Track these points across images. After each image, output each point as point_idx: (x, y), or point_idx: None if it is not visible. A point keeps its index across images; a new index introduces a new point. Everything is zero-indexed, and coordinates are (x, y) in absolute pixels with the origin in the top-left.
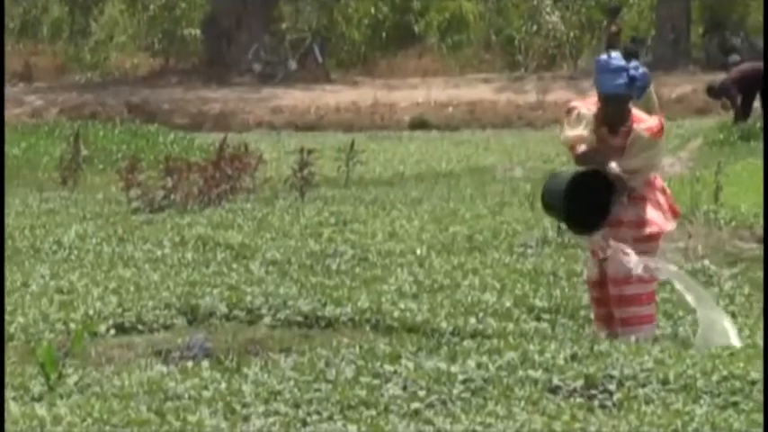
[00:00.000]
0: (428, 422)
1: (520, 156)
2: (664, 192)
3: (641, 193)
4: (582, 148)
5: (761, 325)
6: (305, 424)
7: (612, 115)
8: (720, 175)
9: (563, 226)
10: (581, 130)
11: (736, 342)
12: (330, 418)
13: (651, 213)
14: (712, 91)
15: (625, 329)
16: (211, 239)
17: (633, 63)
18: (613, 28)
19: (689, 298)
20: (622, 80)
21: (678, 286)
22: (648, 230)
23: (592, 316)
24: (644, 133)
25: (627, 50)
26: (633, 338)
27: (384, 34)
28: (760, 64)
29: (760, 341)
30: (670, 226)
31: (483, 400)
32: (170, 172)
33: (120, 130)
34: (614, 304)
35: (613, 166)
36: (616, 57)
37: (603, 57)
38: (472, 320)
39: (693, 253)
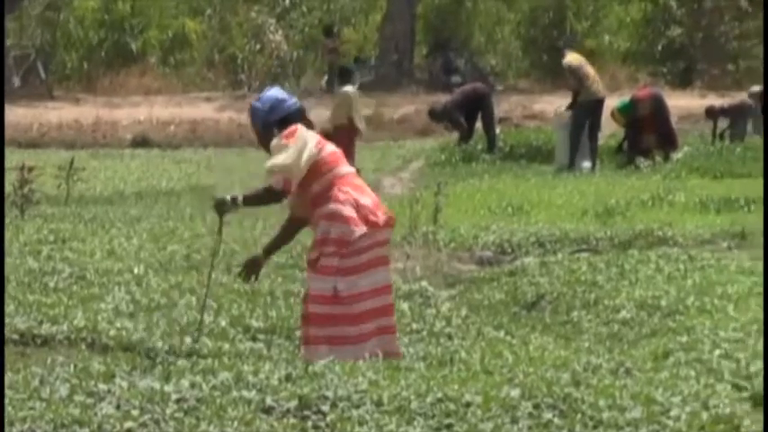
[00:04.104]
0: None
1: (241, 175)
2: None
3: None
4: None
5: (477, 348)
6: None
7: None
8: (440, 196)
9: None
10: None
11: None
12: None
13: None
14: (434, 114)
15: (308, 348)
16: None
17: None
18: (329, 45)
19: None
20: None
21: None
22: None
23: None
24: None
25: (342, 71)
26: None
27: (104, 53)
28: (481, 86)
29: (476, 364)
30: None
31: (196, 420)
32: None
33: None
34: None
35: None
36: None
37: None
38: (188, 340)
39: (411, 274)
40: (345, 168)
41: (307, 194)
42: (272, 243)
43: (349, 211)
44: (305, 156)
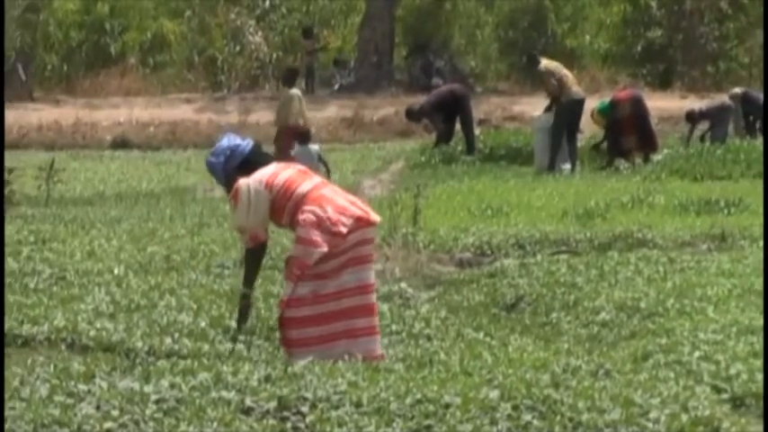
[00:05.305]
0: None
1: None
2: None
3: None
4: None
5: (456, 349)
6: None
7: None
8: (420, 197)
9: None
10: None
11: None
12: None
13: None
14: (411, 114)
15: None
16: None
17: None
18: (308, 47)
19: None
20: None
21: None
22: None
23: None
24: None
25: (288, 72)
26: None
27: (83, 55)
28: (458, 87)
29: (456, 365)
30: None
31: (175, 421)
32: None
33: None
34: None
35: None
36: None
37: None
38: (168, 341)
39: (391, 275)
40: (306, 185)
41: (285, 226)
42: (247, 276)
43: (308, 233)
44: (255, 207)
